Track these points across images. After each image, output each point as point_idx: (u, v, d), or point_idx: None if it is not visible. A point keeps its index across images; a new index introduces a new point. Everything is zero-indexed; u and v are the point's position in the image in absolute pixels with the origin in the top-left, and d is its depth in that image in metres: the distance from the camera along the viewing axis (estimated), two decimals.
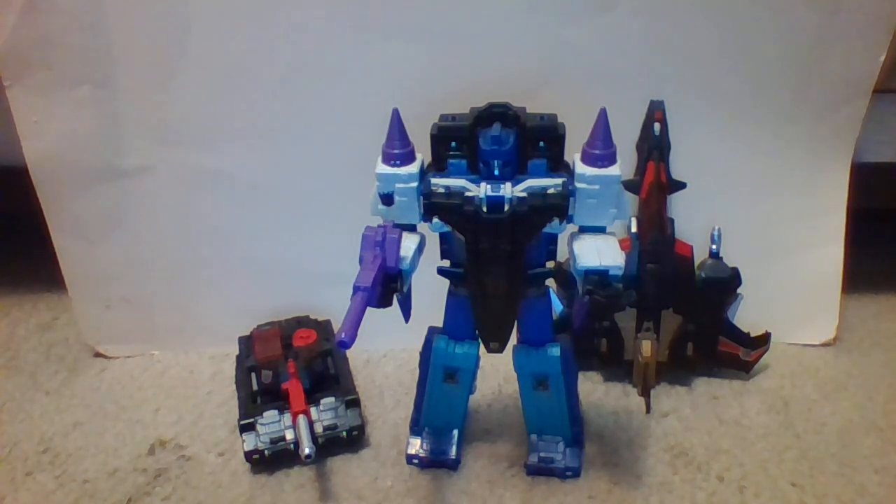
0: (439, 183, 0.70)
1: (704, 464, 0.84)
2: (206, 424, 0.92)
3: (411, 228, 0.73)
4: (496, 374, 0.97)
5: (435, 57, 0.91)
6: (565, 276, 0.92)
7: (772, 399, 0.93)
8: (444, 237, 0.75)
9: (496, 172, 0.69)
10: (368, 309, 0.63)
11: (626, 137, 0.87)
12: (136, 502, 0.82)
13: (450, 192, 0.70)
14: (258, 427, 0.84)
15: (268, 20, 0.90)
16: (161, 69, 0.92)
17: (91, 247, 1.00)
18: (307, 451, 0.78)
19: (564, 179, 0.70)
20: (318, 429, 0.84)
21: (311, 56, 0.92)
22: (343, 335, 0.59)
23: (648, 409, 0.87)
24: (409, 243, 0.71)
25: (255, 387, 0.90)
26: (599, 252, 0.70)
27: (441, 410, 0.84)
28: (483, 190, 0.69)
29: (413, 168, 0.71)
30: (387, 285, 0.67)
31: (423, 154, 0.72)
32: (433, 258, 0.75)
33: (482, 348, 0.79)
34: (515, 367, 0.80)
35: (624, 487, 0.82)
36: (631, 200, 0.81)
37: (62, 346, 1.08)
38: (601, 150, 0.69)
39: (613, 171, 0.69)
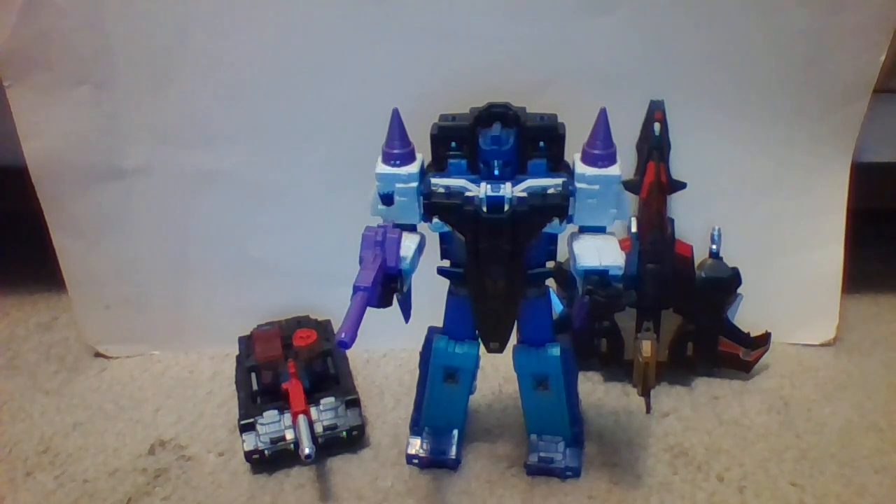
0: (439, 183, 0.70)
1: (704, 464, 0.84)
2: (206, 424, 0.92)
3: (411, 228, 0.73)
4: (496, 374, 0.97)
5: (435, 57, 0.91)
6: (565, 276, 0.92)
7: (772, 399, 0.93)
8: (444, 237, 0.75)
9: (496, 172, 0.69)
10: (368, 309, 0.63)
11: (626, 137, 0.87)
12: (136, 502, 0.82)
13: (450, 192, 0.70)
14: (258, 427, 0.84)
15: (267, 20, 0.90)
16: (161, 69, 0.92)
17: (91, 247, 1.00)
18: (307, 451, 0.78)
19: (564, 179, 0.70)
20: (318, 429, 0.84)
21: (311, 56, 0.92)
22: (343, 335, 0.59)
23: (648, 409, 0.87)
24: (409, 243, 0.71)
25: (255, 387, 0.90)
26: (599, 252, 0.70)
27: (441, 410, 0.84)
28: (483, 190, 0.69)
29: (413, 168, 0.71)
30: (387, 285, 0.67)
31: (423, 154, 0.72)
32: (433, 258, 0.75)
33: (482, 348, 0.79)
34: (515, 367, 0.80)
35: (624, 487, 0.82)
36: (631, 200, 0.81)
37: (62, 346, 1.08)
38: (601, 150, 0.69)
39: (613, 171, 0.69)
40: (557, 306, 0.94)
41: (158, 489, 0.83)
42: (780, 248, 1.01)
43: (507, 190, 0.68)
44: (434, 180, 0.71)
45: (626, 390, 0.95)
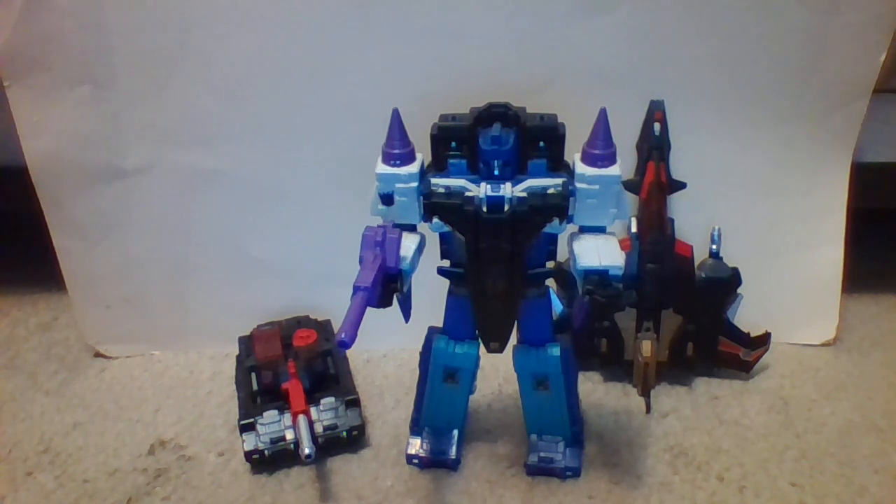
0: (439, 183, 0.70)
1: (704, 464, 0.84)
2: (206, 424, 0.92)
3: (411, 228, 0.73)
4: (496, 374, 0.97)
5: (435, 57, 0.91)
6: (565, 276, 0.92)
7: (772, 399, 0.93)
8: (444, 237, 0.75)
9: (496, 172, 0.69)
10: (368, 309, 0.63)
11: (626, 137, 0.87)
12: (136, 502, 0.82)
13: (450, 192, 0.70)
14: (258, 427, 0.84)
15: (267, 20, 0.90)
16: (161, 69, 0.92)
17: (91, 247, 1.00)
18: (307, 451, 0.78)
19: (564, 179, 0.70)
20: (318, 429, 0.85)
21: (311, 56, 0.92)
22: (343, 335, 0.59)
23: (648, 409, 0.87)
24: (409, 243, 0.71)
25: (255, 387, 0.90)
26: (599, 252, 0.70)
27: (441, 410, 0.84)
28: (483, 190, 0.69)
29: (413, 168, 0.71)
30: (387, 285, 0.67)
31: (423, 154, 0.72)
32: (433, 258, 0.75)
33: (482, 348, 0.79)
34: (515, 367, 0.80)
35: (624, 487, 0.82)
36: (631, 200, 0.81)
37: (62, 346, 1.08)
38: (601, 150, 0.69)
39: (613, 171, 0.69)
40: (557, 306, 0.94)
41: (158, 489, 0.83)
42: (780, 248, 1.01)
43: (507, 190, 0.68)
44: (434, 180, 0.71)
45: (626, 390, 0.95)
